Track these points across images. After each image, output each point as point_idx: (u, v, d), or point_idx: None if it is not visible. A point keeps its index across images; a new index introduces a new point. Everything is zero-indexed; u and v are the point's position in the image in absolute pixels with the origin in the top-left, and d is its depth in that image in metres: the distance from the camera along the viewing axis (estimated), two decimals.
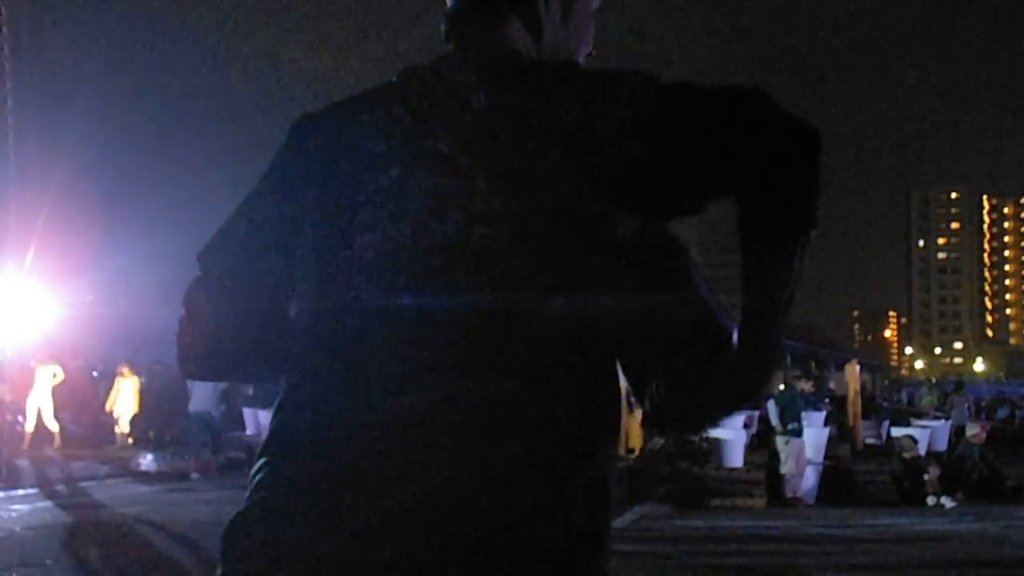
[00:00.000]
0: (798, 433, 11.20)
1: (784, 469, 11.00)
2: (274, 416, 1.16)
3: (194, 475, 12.54)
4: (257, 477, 1.13)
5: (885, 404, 25.66)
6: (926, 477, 11.35)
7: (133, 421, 15.73)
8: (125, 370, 15.70)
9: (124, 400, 15.55)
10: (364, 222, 1.13)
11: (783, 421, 11.13)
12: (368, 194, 1.14)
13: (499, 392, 1.03)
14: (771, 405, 11.30)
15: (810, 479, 11.50)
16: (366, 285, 1.11)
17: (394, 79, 1.22)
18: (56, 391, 14.56)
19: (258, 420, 15.09)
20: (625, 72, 1.10)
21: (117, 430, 15.64)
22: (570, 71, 1.14)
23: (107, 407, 15.75)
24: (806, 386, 13.30)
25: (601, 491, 1.08)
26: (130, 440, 15.53)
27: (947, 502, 11.04)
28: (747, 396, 1.13)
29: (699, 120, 1.03)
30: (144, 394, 16.40)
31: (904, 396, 28.56)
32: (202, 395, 12.92)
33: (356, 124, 1.19)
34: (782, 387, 11.93)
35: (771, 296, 1.07)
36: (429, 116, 1.14)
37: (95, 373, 18.39)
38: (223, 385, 13.25)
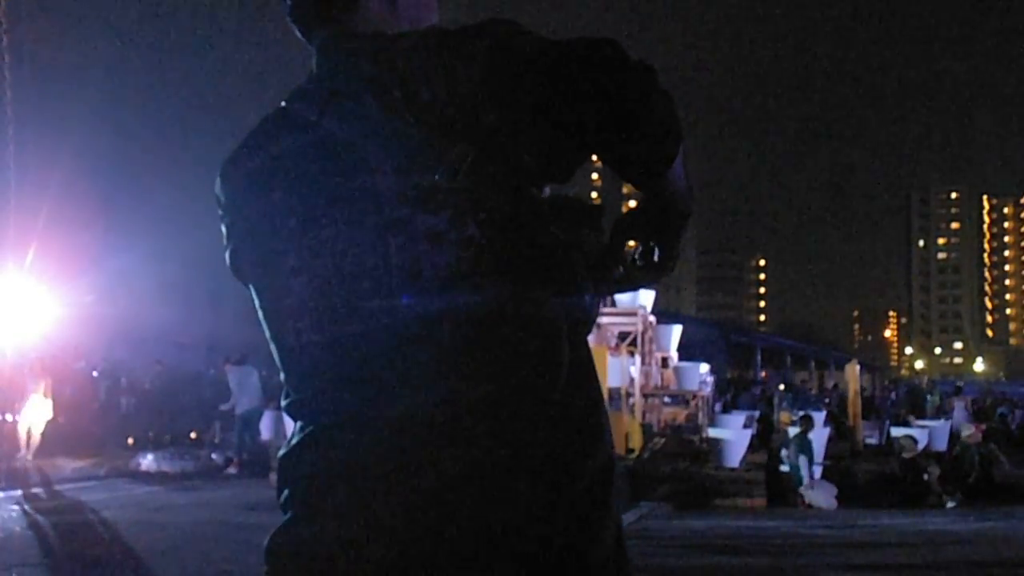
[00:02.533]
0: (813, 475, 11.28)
1: (823, 506, 10.99)
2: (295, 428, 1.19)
3: (231, 470, 12.76)
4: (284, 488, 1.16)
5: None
6: (926, 477, 11.35)
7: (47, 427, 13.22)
8: (37, 367, 13.34)
9: (34, 403, 13.02)
10: (291, 267, 1.14)
11: (800, 468, 11.13)
12: (286, 238, 1.15)
13: (481, 395, 1.03)
14: (795, 455, 11.27)
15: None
16: (308, 324, 1.13)
17: (283, 104, 1.22)
18: (55, 391, 14.53)
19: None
20: (478, 31, 1.08)
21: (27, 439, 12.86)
22: (426, 39, 1.11)
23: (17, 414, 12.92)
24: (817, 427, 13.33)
25: (600, 490, 1.09)
26: (30, 455, 12.73)
27: (948, 502, 11.04)
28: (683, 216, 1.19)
29: (548, 79, 1.03)
30: (146, 393, 16.39)
31: (891, 396, 28.24)
32: (254, 395, 13.14)
33: (256, 169, 1.20)
34: (796, 430, 11.91)
35: (662, 204, 1.15)
36: (320, 135, 1.13)
37: (95, 373, 18.41)
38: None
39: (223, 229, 1.28)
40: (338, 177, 1.10)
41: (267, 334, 1.21)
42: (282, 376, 1.20)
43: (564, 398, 1.07)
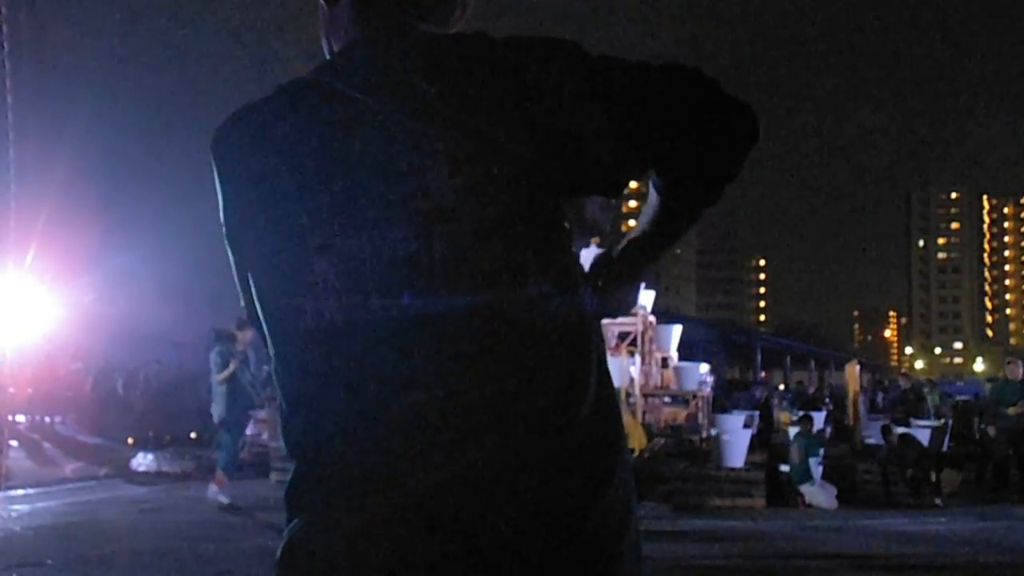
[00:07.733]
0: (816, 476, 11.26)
1: (823, 506, 10.94)
2: (288, 427, 1.14)
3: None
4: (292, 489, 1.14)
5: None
6: (931, 475, 11.35)
7: None
8: None
9: None
10: (317, 244, 1.07)
11: (809, 468, 11.08)
12: (313, 212, 1.07)
13: (494, 391, 1.02)
14: (801, 455, 11.19)
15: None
16: (333, 305, 1.06)
17: (306, 75, 1.15)
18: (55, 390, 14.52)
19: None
20: (544, 40, 1.08)
21: None
22: (488, 41, 1.09)
23: None
24: (817, 426, 13.27)
25: (614, 490, 1.07)
26: None
27: (939, 501, 11.04)
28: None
29: (634, 92, 1.03)
30: (146, 393, 16.33)
31: (880, 398, 27.98)
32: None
33: (281, 135, 1.11)
34: (799, 431, 11.88)
35: (667, 240, 1.20)
36: (363, 112, 1.07)
37: (94, 374, 18.40)
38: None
39: (222, 191, 1.17)
40: (384, 156, 1.05)
41: (264, 312, 1.14)
42: (278, 361, 1.13)
43: (593, 404, 1.07)
